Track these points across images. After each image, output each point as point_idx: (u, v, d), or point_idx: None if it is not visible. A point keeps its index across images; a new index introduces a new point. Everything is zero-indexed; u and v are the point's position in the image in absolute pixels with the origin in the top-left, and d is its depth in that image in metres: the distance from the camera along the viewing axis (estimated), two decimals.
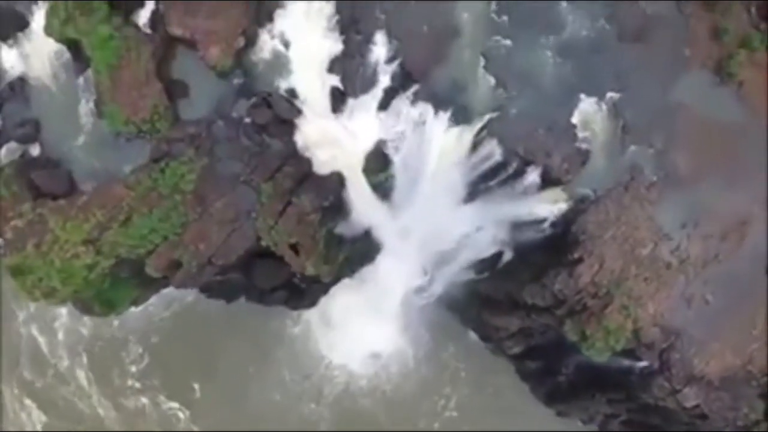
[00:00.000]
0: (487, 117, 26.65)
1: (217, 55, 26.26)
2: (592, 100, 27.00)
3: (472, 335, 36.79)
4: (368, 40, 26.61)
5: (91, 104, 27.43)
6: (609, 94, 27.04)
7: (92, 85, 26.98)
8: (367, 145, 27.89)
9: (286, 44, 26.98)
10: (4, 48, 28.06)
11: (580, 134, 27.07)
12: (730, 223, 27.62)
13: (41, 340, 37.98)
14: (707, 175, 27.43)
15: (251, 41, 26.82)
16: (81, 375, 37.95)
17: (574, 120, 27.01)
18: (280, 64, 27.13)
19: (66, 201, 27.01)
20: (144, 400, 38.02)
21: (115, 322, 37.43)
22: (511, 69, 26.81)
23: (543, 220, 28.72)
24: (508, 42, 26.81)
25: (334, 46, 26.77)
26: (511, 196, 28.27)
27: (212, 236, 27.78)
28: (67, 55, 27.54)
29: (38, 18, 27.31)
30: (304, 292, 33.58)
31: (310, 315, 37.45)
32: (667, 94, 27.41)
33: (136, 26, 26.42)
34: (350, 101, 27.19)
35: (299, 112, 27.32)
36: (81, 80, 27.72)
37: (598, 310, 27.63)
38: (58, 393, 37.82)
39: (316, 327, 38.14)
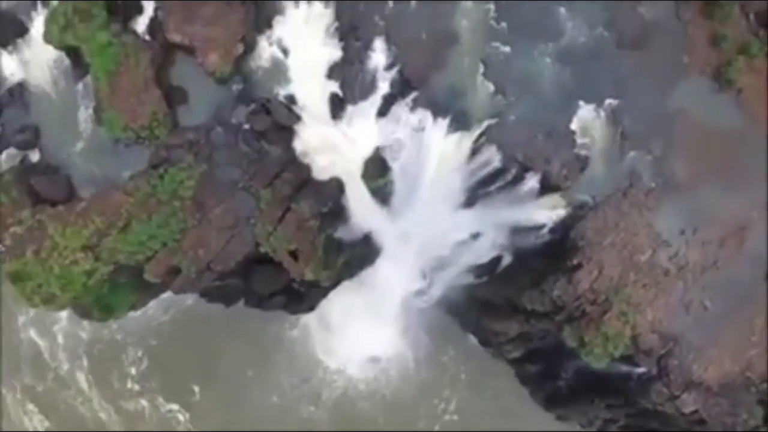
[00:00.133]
0: (486, 123, 26.69)
1: (216, 61, 26.28)
2: (591, 106, 27.01)
3: (472, 338, 36.75)
4: (367, 46, 26.62)
5: (90, 110, 27.45)
6: (608, 101, 27.04)
7: (91, 92, 27.00)
8: (366, 151, 27.90)
9: (285, 51, 26.98)
10: (4, 54, 28.08)
11: (579, 141, 27.11)
12: (728, 229, 27.64)
13: (41, 344, 38.18)
14: (706, 181, 27.45)
15: (250, 48, 26.79)
16: (81, 378, 38.14)
17: (573, 126, 27.04)
18: (279, 70, 27.12)
19: (65, 207, 27.04)
20: (143, 402, 38.21)
21: (115, 326, 37.52)
22: (510, 75, 26.82)
23: (542, 226, 28.71)
24: (507, 48, 26.81)
25: (333, 52, 26.77)
26: (510, 201, 28.26)
27: (211, 242, 27.77)
28: (67, 61, 27.55)
29: (38, 24, 27.29)
30: (302, 297, 33.51)
31: (309, 318, 37.47)
32: (666, 100, 27.41)
33: (135, 33, 26.42)
34: (349, 107, 27.20)
35: (298, 118, 27.32)
36: (80, 87, 27.74)
37: (597, 316, 27.68)
38: (58, 396, 38.04)
39: (315, 330, 38.22)
